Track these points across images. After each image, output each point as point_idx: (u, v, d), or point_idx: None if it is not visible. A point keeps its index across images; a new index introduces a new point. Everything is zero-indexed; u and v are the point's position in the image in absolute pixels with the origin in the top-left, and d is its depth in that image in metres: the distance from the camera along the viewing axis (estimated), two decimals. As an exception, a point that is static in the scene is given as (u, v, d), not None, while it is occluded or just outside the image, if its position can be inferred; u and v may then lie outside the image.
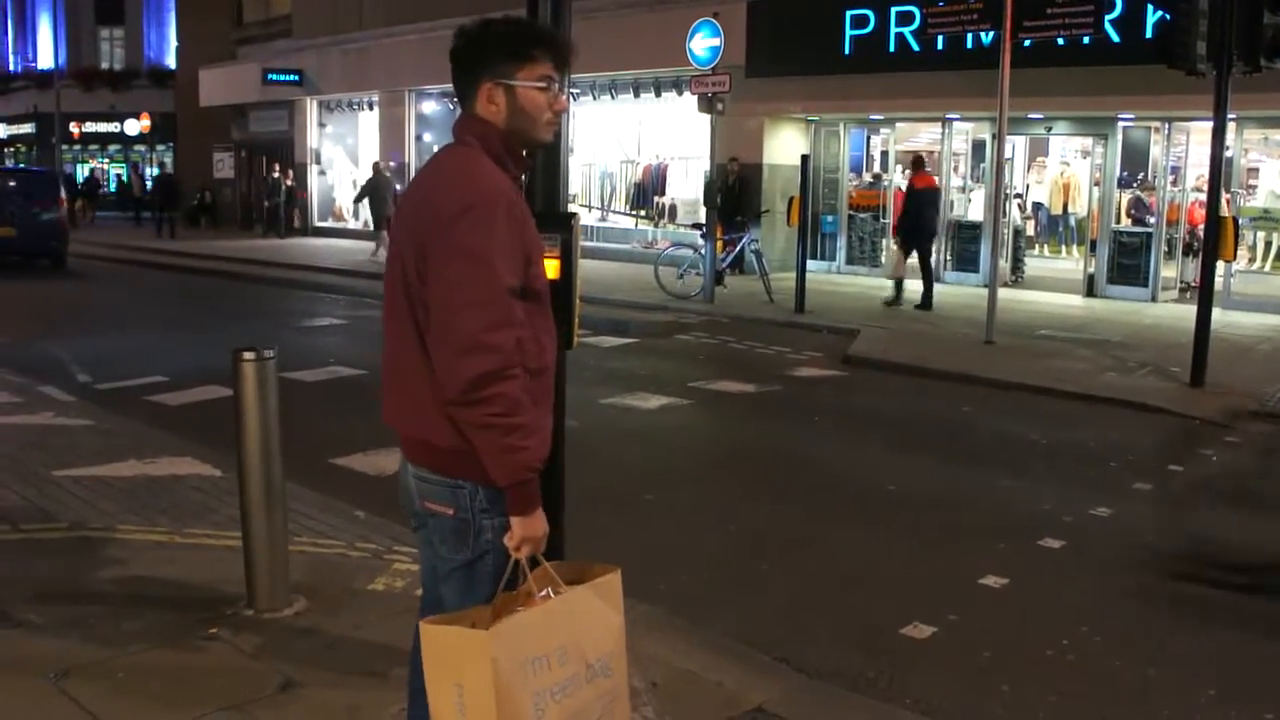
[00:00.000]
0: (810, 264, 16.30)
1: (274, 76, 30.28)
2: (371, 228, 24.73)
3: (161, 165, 41.38)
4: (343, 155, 30.88)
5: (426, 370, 2.60)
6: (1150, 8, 15.30)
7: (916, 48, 17.46)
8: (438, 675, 2.60)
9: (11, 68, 50.80)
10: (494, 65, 2.67)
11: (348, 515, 6.02)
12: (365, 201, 24.39)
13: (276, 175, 30.19)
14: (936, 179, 17.48)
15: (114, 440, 7.59)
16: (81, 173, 45.83)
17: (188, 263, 23.51)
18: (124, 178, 46.80)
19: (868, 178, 20.85)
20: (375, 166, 24.80)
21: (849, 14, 18.40)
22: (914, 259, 16.13)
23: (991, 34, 15.66)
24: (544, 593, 2.68)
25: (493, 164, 2.66)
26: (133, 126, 43.59)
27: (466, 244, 2.52)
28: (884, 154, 21.11)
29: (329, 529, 5.76)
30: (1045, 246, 22.61)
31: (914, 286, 15.93)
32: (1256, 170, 18.07)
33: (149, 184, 38.14)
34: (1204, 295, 10.94)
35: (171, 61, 43.36)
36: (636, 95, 22.29)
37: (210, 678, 4.06)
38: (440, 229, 2.56)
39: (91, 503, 6.14)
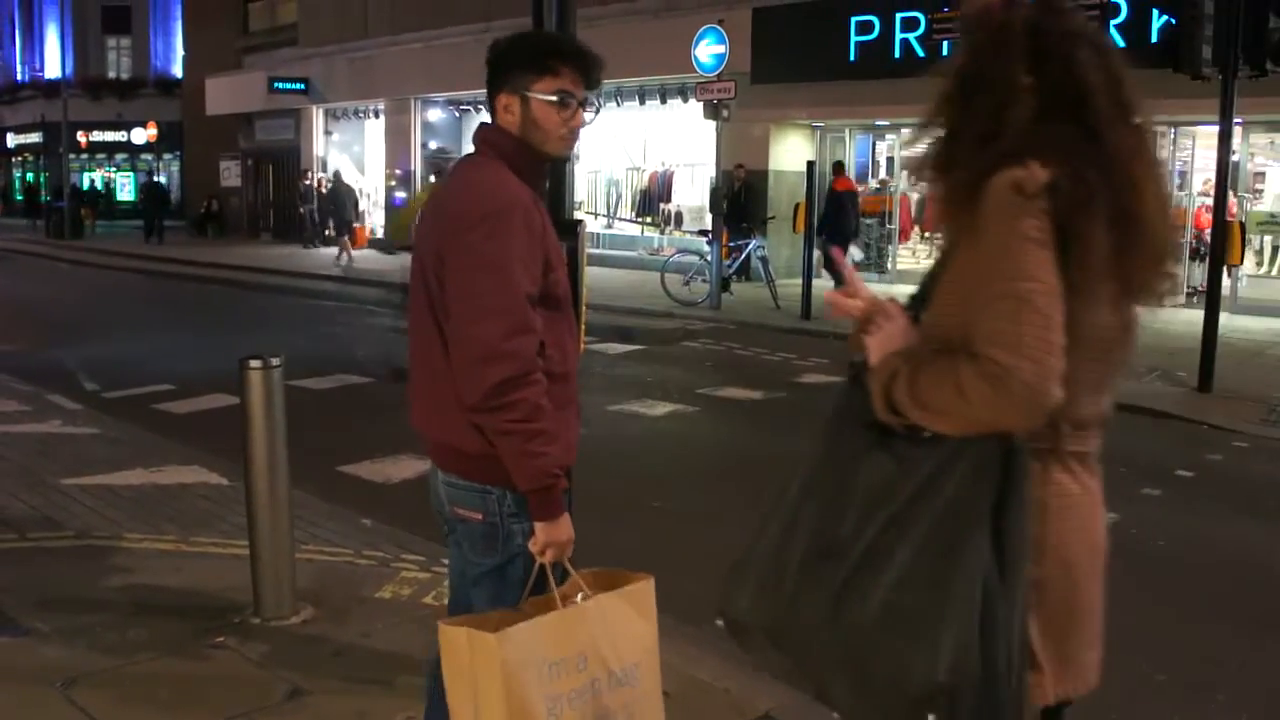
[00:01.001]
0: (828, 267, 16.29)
1: (280, 85, 30.33)
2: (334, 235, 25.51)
3: (150, 173, 41.48)
4: (349, 164, 30.92)
5: (451, 376, 2.62)
6: (1155, 12, 15.30)
7: (921, 53, 17.47)
8: (454, 676, 2.61)
9: (19, 77, 51.03)
10: (513, 76, 2.70)
11: (355, 523, 6.01)
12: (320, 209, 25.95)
13: (308, 183, 29.42)
14: (855, 182, 18.11)
15: (121, 448, 7.60)
16: (87, 181, 45.99)
17: (192, 271, 23.55)
18: (121, 186, 47.15)
19: (873, 184, 20.84)
20: (336, 175, 26.11)
21: (854, 20, 18.42)
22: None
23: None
24: (576, 598, 2.69)
25: (510, 174, 2.67)
26: (140, 135, 43.77)
27: (483, 252, 2.54)
28: (890, 160, 21.10)
29: (336, 537, 5.75)
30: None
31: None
32: (1263, 174, 18.05)
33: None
34: (1211, 300, 10.94)
35: (178, 70, 43.51)
36: (642, 102, 22.32)
37: (217, 686, 4.06)
38: (457, 238, 2.59)
39: (98, 511, 6.15)
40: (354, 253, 24.19)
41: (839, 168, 17.87)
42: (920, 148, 2.06)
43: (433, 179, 11.38)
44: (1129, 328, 2.03)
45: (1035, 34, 1.96)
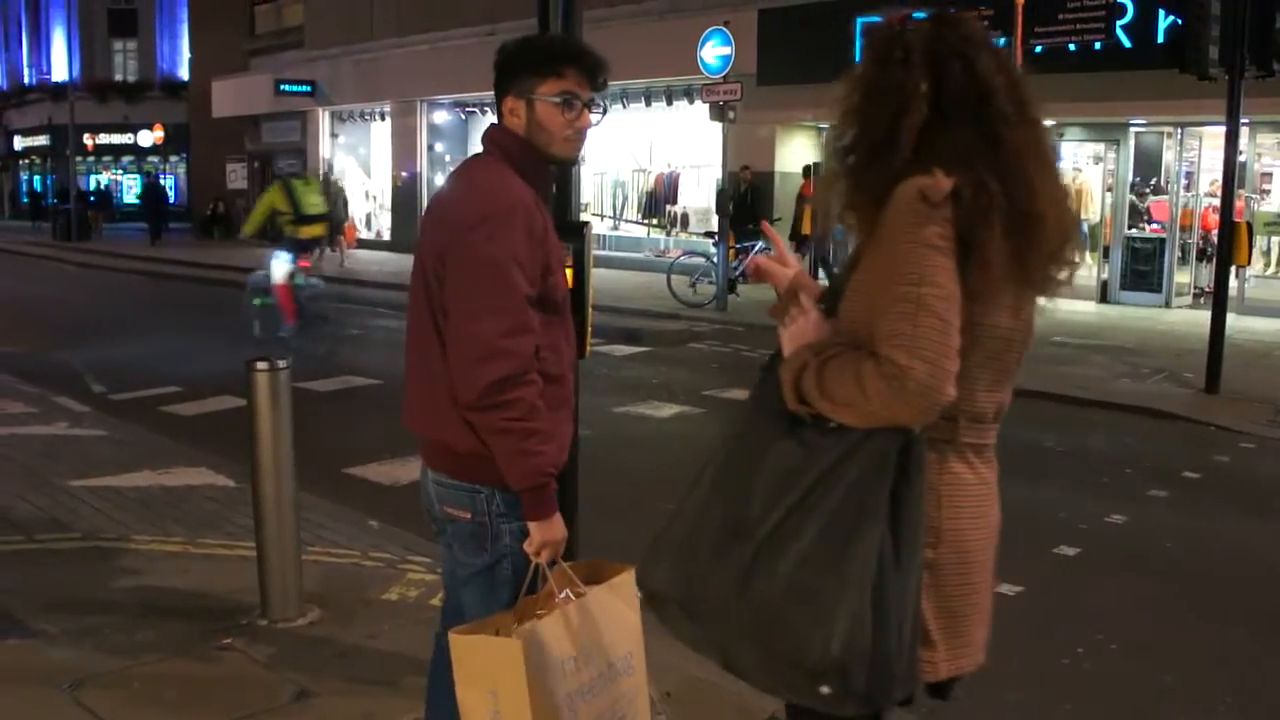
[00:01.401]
0: (822, 272, 16.29)
1: (286, 87, 30.36)
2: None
3: (150, 175, 41.55)
4: (355, 166, 30.97)
5: (447, 375, 2.63)
6: (1162, 12, 15.27)
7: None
8: (470, 684, 2.61)
9: (26, 80, 51.10)
10: (518, 80, 2.71)
11: (361, 525, 6.03)
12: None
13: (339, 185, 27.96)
14: None
15: (128, 450, 7.62)
16: (94, 183, 46.11)
17: (197, 273, 23.58)
18: (127, 189, 47.28)
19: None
20: (324, 176, 26.30)
21: (860, 21, 18.39)
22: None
23: (1002, 40, 15.66)
24: (563, 594, 2.70)
25: (514, 175, 2.69)
26: (146, 137, 43.82)
27: (483, 252, 2.56)
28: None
29: (342, 539, 5.76)
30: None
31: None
32: (1270, 175, 18.00)
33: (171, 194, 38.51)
34: (1218, 301, 10.91)
35: (184, 73, 43.60)
36: (648, 104, 22.33)
37: (224, 688, 4.06)
38: (458, 237, 2.61)
39: (105, 513, 6.16)
40: (346, 251, 24.73)
41: (808, 171, 18.04)
42: (827, 156, 2.24)
43: (280, 181, 13.52)
44: (1028, 326, 2.17)
45: (934, 42, 2.09)
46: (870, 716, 2.04)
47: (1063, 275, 2.16)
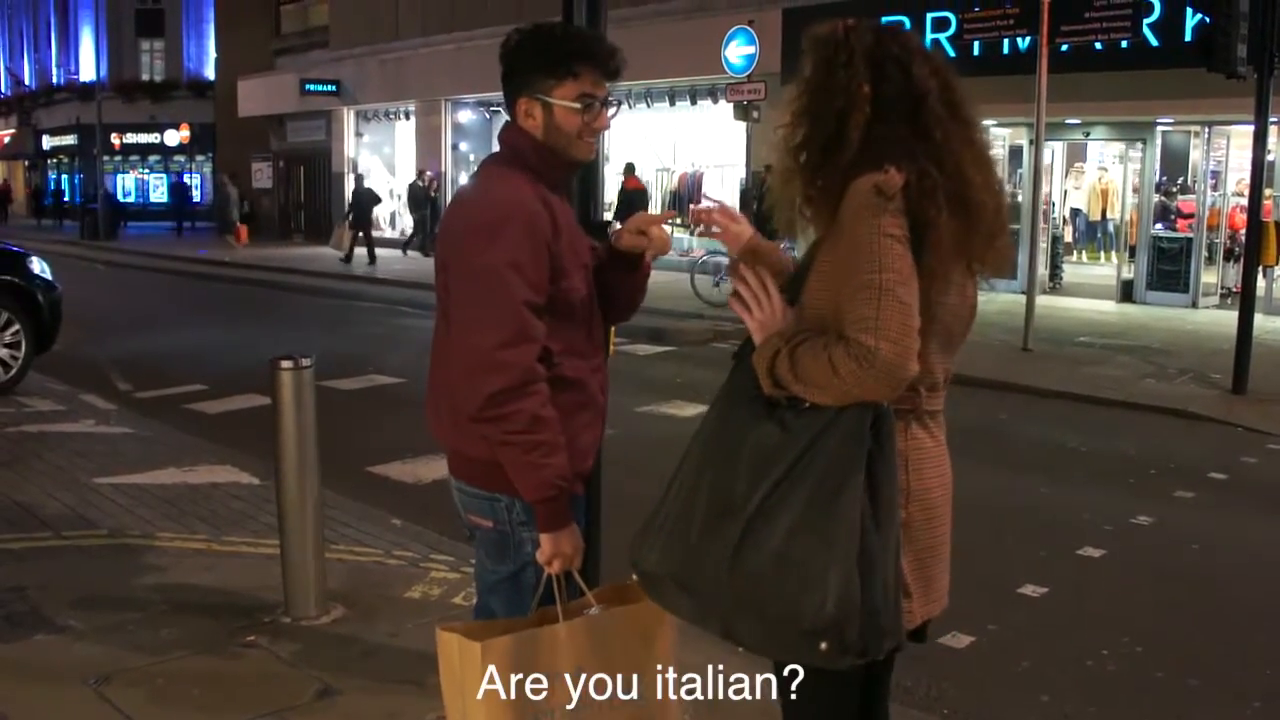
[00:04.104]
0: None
1: (312, 87, 30.45)
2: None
3: (180, 174, 42.20)
4: (379, 165, 31.04)
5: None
6: (1189, 11, 15.14)
7: (953, 53, 17.34)
8: (448, 680, 2.62)
9: (55, 80, 51.47)
10: (532, 80, 2.61)
11: (385, 523, 6.04)
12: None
13: (424, 182, 26.72)
14: (642, 182, 19.71)
15: (154, 448, 7.66)
16: (123, 184, 46.46)
17: (223, 272, 23.69)
18: (154, 188, 47.76)
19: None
20: (222, 180, 31.21)
21: (884, 21, 18.33)
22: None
23: (1028, 39, 15.60)
24: (590, 610, 2.65)
25: (522, 177, 2.60)
26: (172, 137, 44.04)
27: (479, 260, 2.50)
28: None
29: (366, 537, 5.78)
30: (1084, 252, 22.43)
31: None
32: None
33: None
34: (1245, 301, 10.84)
35: (211, 72, 43.80)
36: (672, 103, 22.29)
37: (248, 685, 4.08)
38: (457, 246, 2.57)
39: (131, 510, 6.20)
40: (237, 247, 28.93)
41: (629, 169, 19.21)
42: (781, 154, 2.40)
43: None
44: (973, 304, 2.39)
45: (874, 48, 2.29)
46: (862, 669, 2.22)
47: (999, 260, 2.36)
